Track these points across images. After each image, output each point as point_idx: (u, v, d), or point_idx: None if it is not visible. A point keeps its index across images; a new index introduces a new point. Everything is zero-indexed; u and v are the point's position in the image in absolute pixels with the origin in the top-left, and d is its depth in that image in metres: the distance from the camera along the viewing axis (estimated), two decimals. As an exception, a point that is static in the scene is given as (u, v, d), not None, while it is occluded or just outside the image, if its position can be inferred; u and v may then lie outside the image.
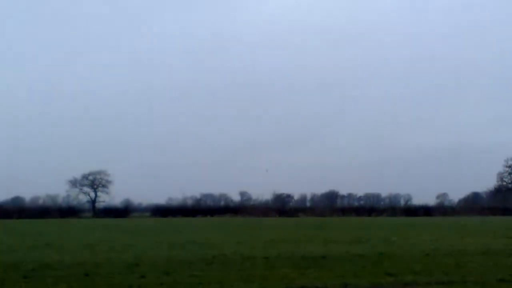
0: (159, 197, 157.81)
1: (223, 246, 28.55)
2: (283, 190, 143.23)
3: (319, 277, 16.96)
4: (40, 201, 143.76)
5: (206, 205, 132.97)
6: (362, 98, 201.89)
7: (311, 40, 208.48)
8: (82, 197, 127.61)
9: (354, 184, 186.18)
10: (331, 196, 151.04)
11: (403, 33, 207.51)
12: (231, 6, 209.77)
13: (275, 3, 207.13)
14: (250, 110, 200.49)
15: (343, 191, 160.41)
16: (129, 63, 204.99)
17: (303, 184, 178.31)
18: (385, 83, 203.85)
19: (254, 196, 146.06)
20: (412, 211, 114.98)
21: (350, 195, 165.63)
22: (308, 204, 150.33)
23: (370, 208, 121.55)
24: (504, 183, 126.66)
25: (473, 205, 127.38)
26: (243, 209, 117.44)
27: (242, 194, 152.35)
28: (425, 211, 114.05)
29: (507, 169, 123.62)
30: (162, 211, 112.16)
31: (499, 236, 36.83)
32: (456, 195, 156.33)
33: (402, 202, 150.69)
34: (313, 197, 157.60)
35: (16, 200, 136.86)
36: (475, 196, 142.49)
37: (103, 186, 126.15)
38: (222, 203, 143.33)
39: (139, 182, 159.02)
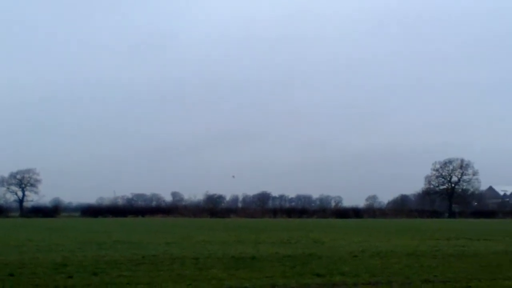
0: (90, 197, 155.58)
1: (153, 247, 28.31)
2: (215, 191, 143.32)
3: (248, 278, 16.99)
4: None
5: (138, 205, 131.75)
6: (295, 101, 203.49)
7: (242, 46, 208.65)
8: (9, 196, 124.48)
9: (286, 185, 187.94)
10: (263, 197, 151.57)
11: (339, 39, 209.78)
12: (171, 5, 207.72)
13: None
14: (182, 111, 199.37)
15: (275, 192, 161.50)
16: (59, 62, 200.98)
17: (235, 185, 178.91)
18: (319, 87, 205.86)
19: (186, 197, 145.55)
20: (342, 212, 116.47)
21: (282, 197, 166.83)
22: (240, 205, 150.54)
23: (301, 210, 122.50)
24: (432, 186, 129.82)
25: (401, 207, 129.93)
26: (175, 209, 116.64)
27: (174, 194, 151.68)
28: (355, 213, 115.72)
29: (434, 172, 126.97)
30: (92, 211, 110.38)
31: (425, 238, 37.66)
32: (385, 197, 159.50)
33: (333, 204, 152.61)
34: (245, 198, 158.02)
35: None
36: (403, 199, 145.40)
37: (32, 185, 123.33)
38: (154, 203, 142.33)
39: (69, 182, 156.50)
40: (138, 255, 23.35)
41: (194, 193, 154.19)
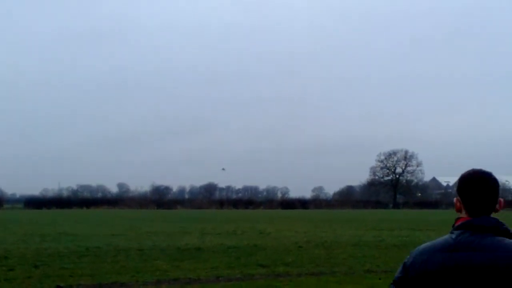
0: (34, 188, 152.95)
1: (97, 238, 28.01)
2: (162, 182, 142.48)
3: (193, 269, 16.98)
4: None
5: (83, 197, 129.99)
6: (244, 93, 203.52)
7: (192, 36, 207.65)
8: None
9: (233, 177, 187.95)
10: (210, 188, 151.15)
11: (288, 31, 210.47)
12: None
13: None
14: (129, 101, 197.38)
15: (222, 183, 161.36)
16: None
17: (182, 176, 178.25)
18: (267, 79, 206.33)
19: (132, 188, 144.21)
20: (289, 203, 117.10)
21: (228, 188, 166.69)
22: (186, 196, 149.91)
23: (247, 201, 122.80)
24: (376, 177, 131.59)
25: (347, 198, 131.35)
26: (120, 201, 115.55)
27: (120, 185, 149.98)
28: (301, 203, 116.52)
29: (379, 163, 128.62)
30: (36, 203, 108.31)
31: (369, 228, 38.18)
32: (331, 188, 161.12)
33: (280, 195, 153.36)
34: (192, 189, 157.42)
35: None
36: (349, 190, 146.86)
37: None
38: (100, 194, 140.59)
39: (12, 173, 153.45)
40: (81, 247, 23.08)
41: (140, 184, 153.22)
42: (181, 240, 26.96)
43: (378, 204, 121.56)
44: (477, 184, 3.14)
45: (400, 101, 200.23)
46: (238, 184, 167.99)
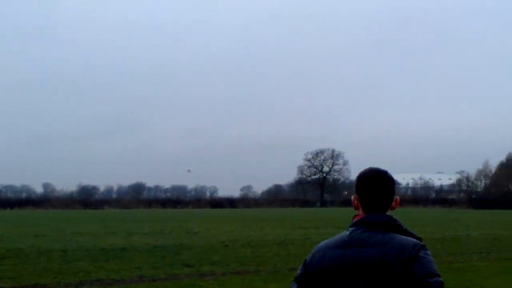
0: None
1: (19, 240, 27.37)
2: (89, 181, 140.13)
3: (117, 269, 16.83)
4: None
5: (6, 197, 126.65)
6: (173, 91, 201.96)
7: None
8: None
9: (162, 176, 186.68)
10: (138, 188, 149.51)
11: (218, 28, 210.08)
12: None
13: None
14: (54, 98, 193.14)
15: (150, 183, 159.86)
16: None
17: (110, 176, 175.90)
18: (198, 77, 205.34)
19: (58, 188, 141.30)
20: (217, 203, 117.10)
21: (157, 187, 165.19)
22: (114, 196, 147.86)
23: (176, 200, 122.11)
24: (304, 176, 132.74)
25: (275, 197, 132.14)
26: (46, 201, 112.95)
27: (46, 185, 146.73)
28: (229, 202, 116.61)
29: (306, 162, 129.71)
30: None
31: (296, 227, 38.55)
32: (260, 187, 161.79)
33: (208, 194, 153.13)
34: (120, 189, 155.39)
35: None
36: (277, 188, 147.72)
37: None
38: (24, 195, 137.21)
39: None
40: (2, 249, 22.53)
41: (66, 184, 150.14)
42: (106, 241, 26.62)
43: (306, 203, 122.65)
44: (372, 182, 3.25)
45: (327, 100, 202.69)
46: (166, 184, 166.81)
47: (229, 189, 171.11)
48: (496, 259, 20.12)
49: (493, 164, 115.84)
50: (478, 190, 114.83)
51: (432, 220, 52.55)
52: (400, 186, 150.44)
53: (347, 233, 3.23)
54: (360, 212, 3.30)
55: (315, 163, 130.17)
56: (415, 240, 3.12)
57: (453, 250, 22.92)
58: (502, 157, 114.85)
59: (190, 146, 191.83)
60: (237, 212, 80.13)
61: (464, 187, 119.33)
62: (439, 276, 3.01)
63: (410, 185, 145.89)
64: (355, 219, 3.28)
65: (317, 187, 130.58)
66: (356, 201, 3.32)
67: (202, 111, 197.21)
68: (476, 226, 40.30)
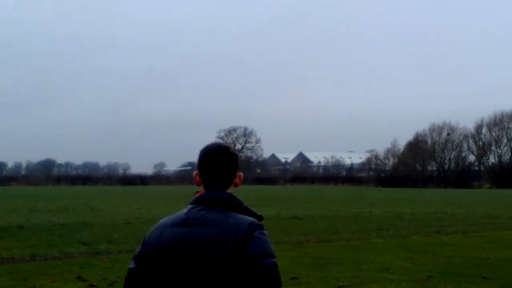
0: None
1: None
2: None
3: (9, 248, 16.24)
4: None
5: None
6: (86, 67, 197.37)
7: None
8: None
9: (73, 152, 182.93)
10: (48, 165, 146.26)
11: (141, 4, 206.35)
12: None
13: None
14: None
15: (61, 159, 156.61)
16: None
17: (19, 152, 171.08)
18: (117, 53, 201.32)
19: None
20: (129, 180, 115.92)
21: (68, 164, 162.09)
22: (23, 172, 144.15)
23: (86, 177, 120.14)
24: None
25: (188, 174, 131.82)
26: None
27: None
28: (141, 180, 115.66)
29: (219, 140, 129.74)
30: None
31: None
32: (173, 164, 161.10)
33: (121, 171, 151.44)
34: (29, 165, 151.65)
35: None
36: (190, 166, 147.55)
37: None
38: None
39: None
40: None
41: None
42: (5, 218, 25.73)
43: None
44: (213, 158, 3.10)
45: (240, 79, 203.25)
46: (78, 160, 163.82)
47: (142, 166, 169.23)
48: (394, 236, 20.56)
49: (401, 144, 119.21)
50: (387, 168, 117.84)
51: (340, 198, 53.47)
52: (312, 164, 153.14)
53: (185, 210, 3.08)
54: (202, 189, 3.15)
55: (227, 141, 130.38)
56: (252, 219, 2.99)
57: (353, 228, 23.31)
58: (410, 137, 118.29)
59: (102, 122, 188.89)
60: (148, 189, 79.48)
61: (373, 166, 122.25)
62: (273, 257, 2.90)
63: (322, 164, 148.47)
64: (195, 196, 3.12)
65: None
66: (198, 177, 3.17)
67: (116, 87, 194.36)
68: (380, 204, 41.31)
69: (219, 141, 3.19)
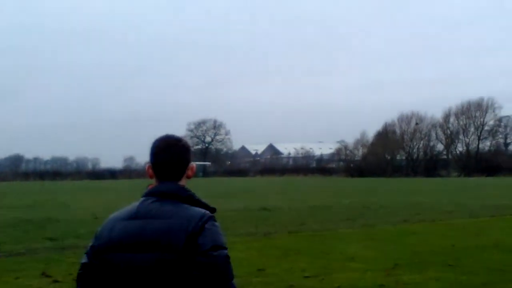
0: None
1: None
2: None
3: (-28, 245, 16.06)
4: None
5: None
6: (54, 60, 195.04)
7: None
8: None
9: (42, 147, 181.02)
10: (15, 160, 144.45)
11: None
12: None
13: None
14: None
15: (29, 154, 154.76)
16: None
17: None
18: (89, 50, 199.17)
19: None
20: (98, 174, 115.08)
21: (36, 159, 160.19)
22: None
23: (55, 172, 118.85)
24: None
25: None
26: None
27: None
28: (111, 174, 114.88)
29: (189, 132, 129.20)
30: None
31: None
32: (143, 158, 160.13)
33: (90, 166, 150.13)
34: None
35: None
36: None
37: None
38: None
39: None
40: None
41: None
42: (-29, 215, 25.42)
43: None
44: (164, 150, 3.09)
45: (210, 70, 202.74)
46: (46, 155, 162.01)
47: (112, 160, 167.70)
48: (362, 226, 20.71)
49: (371, 134, 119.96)
50: (356, 159, 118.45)
51: (309, 189, 53.70)
52: (282, 156, 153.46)
53: (137, 203, 3.06)
54: (154, 181, 3.13)
55: (197, 134, 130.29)
56: (204, 211, 2.99)
57: (321, 218, 23.43)
58: (379, 127, 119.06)
59: (71, 116, 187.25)
60: (117, 183, 79.00)
61: (343, 156, 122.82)
62: (225, 248, 2.90)
63: (292, 155, 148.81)
64: (147, 189, 3.11)
65: (200, 157, 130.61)
66: (150, 170, 3.16)
67: (84, 80, 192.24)
68: (349, 194, 41.56)
69: (171, 133, 3.16)
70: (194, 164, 3.22)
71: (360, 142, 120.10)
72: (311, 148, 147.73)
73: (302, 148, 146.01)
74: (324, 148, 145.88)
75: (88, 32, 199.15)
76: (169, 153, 3.09)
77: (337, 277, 11.24)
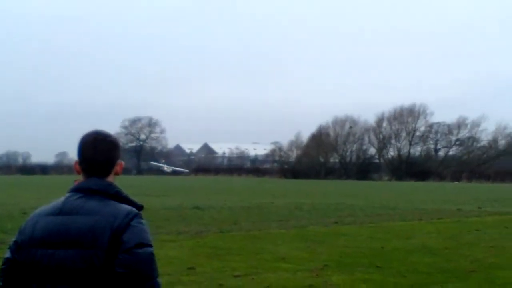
0: None
1: None
2: None
3: None
4: None
5: None
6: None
7: None
8: None
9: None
10: None
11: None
12: None
13: None
14: None
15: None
16: None
17: None
18: (23, 38, 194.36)
19: None
20: (29, 169, 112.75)
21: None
22: None
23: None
24: (121, 144, 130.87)
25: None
26: None
27: None
28: (42, 169, 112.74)
29: (123, 130, 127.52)
30: None
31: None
32: (76, 154, 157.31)
33: (21, 160, 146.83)
34: None
35: None
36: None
37: None
38: None
39: None
40: None
41: None
42: None
43: (125, 171, 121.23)
44: (91, 146, 3.05)
45: (146, 68, 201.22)
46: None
47: (43, 155, 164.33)
48: (294, 227, 20.86)
49: (305, 136, 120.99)
50: (290, 160, 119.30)
51: (243, 189, 53.83)
52: (217, 155, 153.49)
53: (62, 199, 3.02)
54: (81, 177, 3.09)
55: (131, 131, 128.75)
56: (130, 208, 2.97)
57: (254, 218, 23.52)
58: (313, 129, 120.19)
59: (2, 109, 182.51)
60: (48, 179, 77.53)
61: (277, 158, 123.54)
62: (150, 246, 2.89)
63: (227, 155, 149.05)
64: (74, 184, 3.07)
65: (134, 155, 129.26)
66: (77, 166, 3.12)
67: (15, 74, 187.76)
68: (282, 195, 41.85)
69: (104, 129, 3.13)
70: (122, 161, 3.20)
71: (294, 144, 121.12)
72: (246, 149, 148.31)
73: (237, 148, 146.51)
74: (259, 149, 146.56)
75: (18, 23, 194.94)
76: (97, 149, 3.06)
77: (267, 277, 11.30)
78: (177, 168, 74.01)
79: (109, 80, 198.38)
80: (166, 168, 64.24)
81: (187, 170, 72.18)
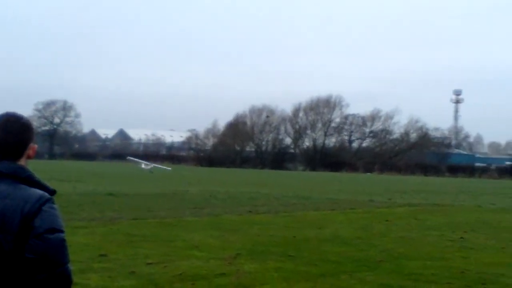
0: None
1: None
2: None
3: None
4: None
5: None
6: None
7: None
8: None
9: None
10: None
11: None
12: None
13: None
14: None
15: None
16: None
17: None
18: None
19: None
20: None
21: None
22: None
23: None
24: (34, 127, 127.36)
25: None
26: None
27: None
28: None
29: (36, 113, 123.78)
30: None
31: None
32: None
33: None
34: None
35: None
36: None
37: None
38: None
39: None
40: None
41: None
42: None
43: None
44: (2, 128, 2.95)
45: (60, 51, 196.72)
46: None
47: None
48: (208, 215, 20.91)
49: (222, 124, 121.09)
50: (206, 148, 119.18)
51: (158, 176, 53.51)
52: (133, 141, 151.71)
53: None
54: (-7, 160, 3.00)
55: (45, 114, 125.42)
56: (42, 192, 2.91)
57: (169, 206, 23.44)
58: (230, 117, 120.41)
59: None
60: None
61: (193, 145, 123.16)
62: (61, 232, 2.84)
63: (143, 141, 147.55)
64: None
65: (47, 138, 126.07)
66: None
67: None
68: (197, 183, 41.82)
69: (13, 111, 3.05)
70: (35, 144, 3.13)
71: (211, 131, 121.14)
72: (162, 135, 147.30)
73: (153, 135, 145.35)
74: (175, 136, 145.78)
75: None
76: (8, 132, 2.98)
77: (180, 265, 11.29)
78: (159, 166, 71.47)
79: (21, 60, 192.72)
80: (144, 165, 62.03)
81: (169, 168, 69.99)
